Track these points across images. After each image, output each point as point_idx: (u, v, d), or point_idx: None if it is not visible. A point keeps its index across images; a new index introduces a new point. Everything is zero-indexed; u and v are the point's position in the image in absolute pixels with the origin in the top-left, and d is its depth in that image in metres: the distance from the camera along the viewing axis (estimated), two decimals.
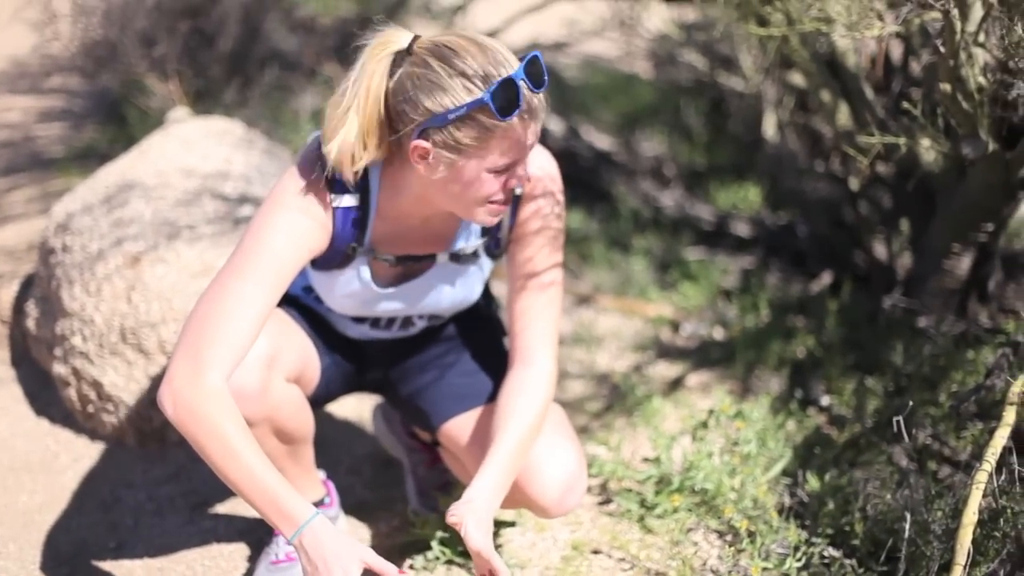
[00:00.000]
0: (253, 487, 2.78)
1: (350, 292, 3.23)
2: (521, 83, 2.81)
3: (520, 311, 3.31)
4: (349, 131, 2.89)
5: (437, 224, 3.17)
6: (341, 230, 3.08)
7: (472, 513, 2.96)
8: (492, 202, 2.98)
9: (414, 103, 2.85)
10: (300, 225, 2.98)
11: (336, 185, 3.01)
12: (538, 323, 3.31)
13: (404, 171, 2.99)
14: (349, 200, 3.06)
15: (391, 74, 2.88)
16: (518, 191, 3.16)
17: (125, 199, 4.33)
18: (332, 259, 3.14)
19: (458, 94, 2.81)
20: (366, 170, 3.04)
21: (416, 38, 2.90)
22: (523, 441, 3.17)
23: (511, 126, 2.84)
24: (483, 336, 3.61)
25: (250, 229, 2.98)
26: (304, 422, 3.30)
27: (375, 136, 2.91)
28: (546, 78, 2.88)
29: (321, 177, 2.98)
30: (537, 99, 2.88)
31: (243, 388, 3.07)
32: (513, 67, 2.84)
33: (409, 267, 3.28)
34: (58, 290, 4.25)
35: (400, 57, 2.88)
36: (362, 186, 3.06)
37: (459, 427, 3.41)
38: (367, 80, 2.87)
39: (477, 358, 3.54)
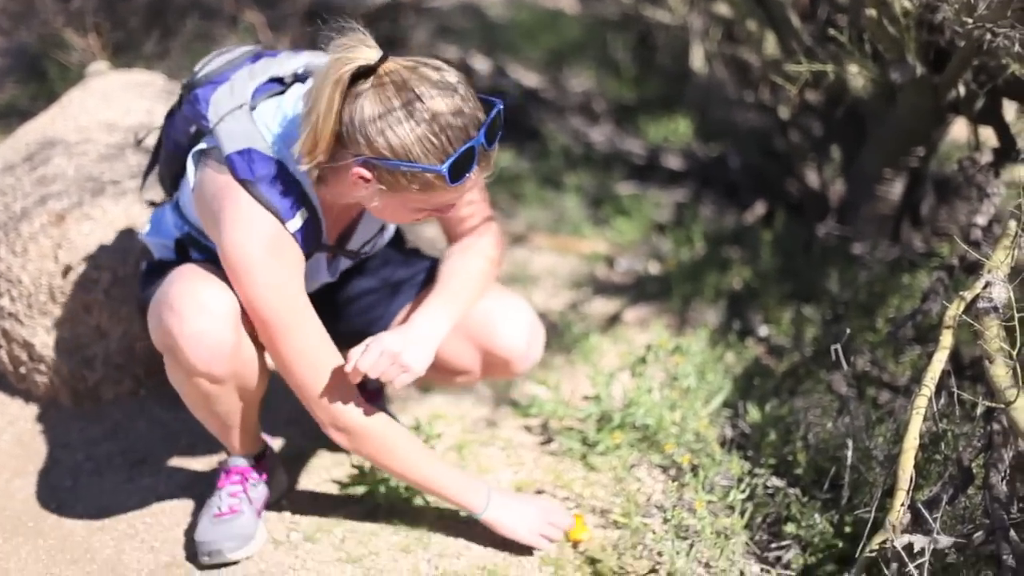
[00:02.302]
0: (434, 489, 3.28)
1: (307, 281, 3.23)
2: (480, 147, 2.81)
3: (455, 220, 3.36)
4: (314, 129, 2.85)
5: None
6: (304, 243, 3.07)
7: (408, 337, 3.08)
8: (417, 219, 3.03)
9: (368, 139, 2.80)
10: (280, 271, 3.00)
11: (284, 212, 2.99)
12: (473, 219, 3.36)
13: (340, 178, 2.95)
14: (300, 219, 3.04)
15: (350, 92, 2.82)
16: None
17: (47, 156, 4.26)
18: None
19: (414, 151, 2.78)
20: (297, 181, 3.02)
21: (383, 58, 2.83)
22: (468, 272, 3.27)
23: (460, 187, 2.85)
24: (399, 261, 3.61)
25: (250, 301, 3.00)
26: (264, 379, 3.28)
27: (327, 143, 2.87)
28: (501, 131, 2.89)
29: (267, 215, 2.97)
30: (487, 158, 2.88)
31: (217, 346, 3.05)
32: (475, 123, 2.81)
33: (345, 244, 3.36)
34: None
35: (364, 75, 2.83)
36: (303, 198, 3.04)
37: (405, 315, 3.46)
38: (328, 92, 2.81)
39: (404, 271, 3.56)
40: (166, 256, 3.45)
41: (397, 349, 3.01)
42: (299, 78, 3.15)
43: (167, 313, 3.06)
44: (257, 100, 3.08)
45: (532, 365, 3.47)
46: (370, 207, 2.98)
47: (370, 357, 2.99)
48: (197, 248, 3.34)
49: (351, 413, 3.08)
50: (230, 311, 3.07)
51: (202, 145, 3.10)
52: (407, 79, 2.79)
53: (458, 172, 2.79)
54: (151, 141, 3.76)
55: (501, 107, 2.87)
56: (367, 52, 2.80)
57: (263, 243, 2.96)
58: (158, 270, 3.37)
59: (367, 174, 2.84)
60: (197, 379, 3.12)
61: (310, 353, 3.03)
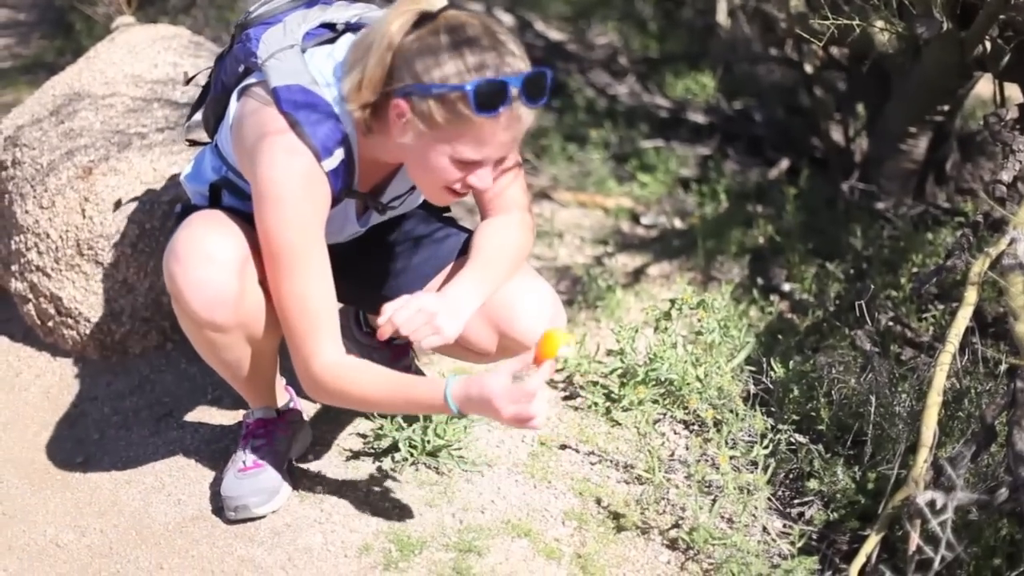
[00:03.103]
0: (399, 408, 3.23)
1: (333, 228, 3.22)
2: (514, 90, 2.78)
3: (488, 197, 3.32)
4: (364, 68, 2.88)
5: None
6: (334, 186, 3.06)
7: (444, 303, 3.07)
8: (450, 189, 2.98)
9: (409, 65, 2.81)
10: (307, 208, 2.98)
11: (322, 149, 2.99)
12: (507, 192, 3.31)
13: (382, 124, 2.96)
14: (336, 159, 3.03)
15: (408, 31, 2.84)
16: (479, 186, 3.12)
17: (74, 110, 4.27)
18: None
19: (448, 73, 2.78)
20: (339, 121, 3.02)
21: (446, 7, 2.86)
22: (500, 255, 3.24)
23: (485, 123, 2.81)
24: (433, 223, 3.61)
25: (267, 232, 2.98)
26: (274, 326, 3.28)
27: (375, 81, 2.88)
28: (546, 98, 2.86)
29: (306, 148, 2.97)
30: (527, 113, 2.85)
31: (220, 294, 3.07)
32: (516, 72, 2.80)
33: (378, 197, 3.32)
34: (11, 205, 4.20)
35: (423, 19, 2.84)
36: (343, 139, 3.04)
37: (434, 288, 3.39)
38: (387, 27, 2.84)
39: (434, 244, 3.54)
40: (200, 203, 3.47)
41: (433, 310, 3.01)
42: (351, 27, 3.15)
43: (172, 260, 3.09)
44: (308, 43, 3.09)
45: None
46: (407, 160, 2.99)
47: (406, 312, 2.98)
48: (232, 192, 3.33)
49: (329, 368, 3.04)
50: (234, 259, 3.08)
51: (249, 80, 3.11)
52: (464, 23, 2.82)
53: (484, 99, 2.77)
54: (201, 81, 3.76)
55: (550, 73, 2.86)
56: (431, 1, 2.85)
57: (297, 178, 2.95)
58: (187, 215, 3.38)
59: (404, 106, 2.84)
60: (202, 327, 3.15)
61: (310, 298, 3.00)
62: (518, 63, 2.82)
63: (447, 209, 3.69)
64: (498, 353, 3.37)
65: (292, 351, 3.05)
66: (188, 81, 3.77)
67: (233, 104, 3.14)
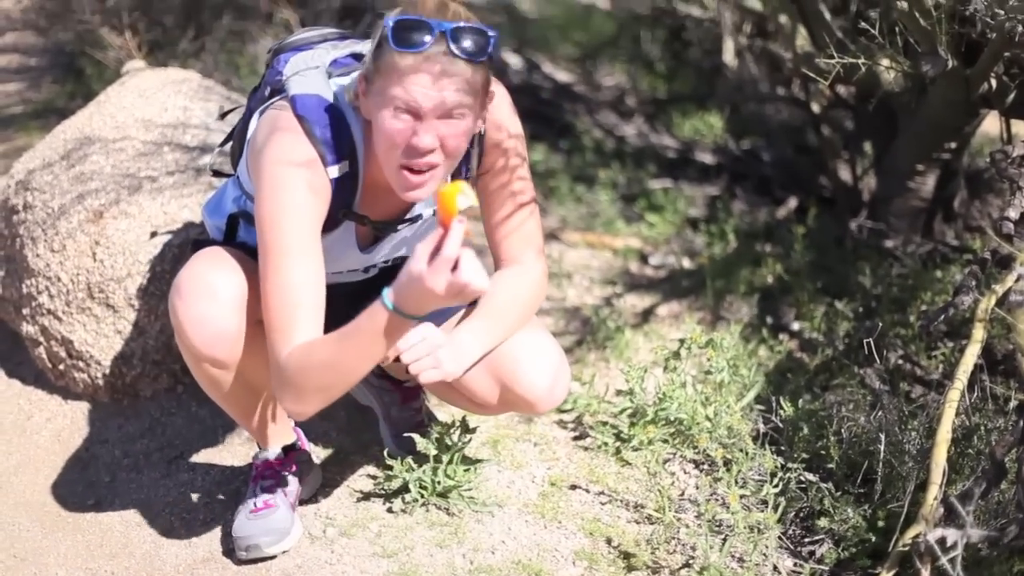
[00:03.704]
0: (361, 354, 2.85)
1: (333, 253, 3.23)
2: (439, 34, 2.82)
3: (501, 235, 3.33)
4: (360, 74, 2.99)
5: None
6: (335, 197, 3.08)
7: (450, 341, 3.06)
8: (405, 167, 2.96)
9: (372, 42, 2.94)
10: (306, 199, 2.99)
11: (327, 153, 3.02)
12: (519, 238, 3.32)
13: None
14: (340, 169, 3.07)
15: None
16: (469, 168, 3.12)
17: (85, 154, 4.29)
18: (324, 223, 3.13)
19: (386, 24, 2.86)
20: (351, 134, 3.06)
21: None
22: (508, 309, 3.24)
23: (407, 61, 2.84)
24: None
25: (263, 218, 2.98)
26: None
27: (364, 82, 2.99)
28: (477, 53, 2.86)
29: (312, 149, 3.01)
30: (454, 63, 2.85)
31: (220, 331, 3.10)
32: (448, 15, 2.86)
33: (388, 229, 3.31)
34: (22, 249, 4.22)
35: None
36: (351, 152, 3.07)
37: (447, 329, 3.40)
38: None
39: None
40: (216, 237, 3.49)
41: (438, 343, 3.01)
42: None
43: (175, 295, 3.13)
44: (334, 70, 3.15)
45: (555, 406, 3.42)
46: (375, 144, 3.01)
47: (412, 339, 2.96)
48: (249, 223, 3.34)
49: (290, 353, 2.91)
50: (236, 296, 3.10)
51: (272, 100, 3.17)
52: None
53: (401, 33, 2.82)
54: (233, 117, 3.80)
55: (493, 33, 2.89)
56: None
57: (300, 170, 2.99)
58: (199, 249, 3.39)
59: (362, 82, 2.96)
60: (201, 362, 3.17)
61: (294, 292, 2.94)
62: (459, 18, 2.87)
63: None
64: (499, 406, 3.37)
65: (268, 346, 2.97)
66: (223, 116, 3.80)
67: (253, 123, 3.18)
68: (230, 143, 3.57)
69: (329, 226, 3.16)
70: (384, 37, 2.85)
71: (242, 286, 3.12)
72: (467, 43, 2.84)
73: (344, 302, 3.49)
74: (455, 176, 3.24)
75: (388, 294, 2.76)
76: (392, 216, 3.31)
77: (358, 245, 3.33)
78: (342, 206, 3.14)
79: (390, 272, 3.55)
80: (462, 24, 2.85)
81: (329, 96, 3.07)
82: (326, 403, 2.95)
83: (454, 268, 2.65)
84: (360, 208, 3.20)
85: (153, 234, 4.07)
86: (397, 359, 2.95)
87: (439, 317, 3.39)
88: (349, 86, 3.06)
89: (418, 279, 2.68)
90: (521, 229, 3.32)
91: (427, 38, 2.81)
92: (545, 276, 3.37)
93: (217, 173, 3.71)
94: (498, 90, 3.23)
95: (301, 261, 2.96)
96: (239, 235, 3.39)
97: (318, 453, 3.81)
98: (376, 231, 3.32)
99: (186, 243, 4.02)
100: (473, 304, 3.32)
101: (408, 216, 3.33)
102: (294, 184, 2.97)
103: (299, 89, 3.08)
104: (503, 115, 3.25)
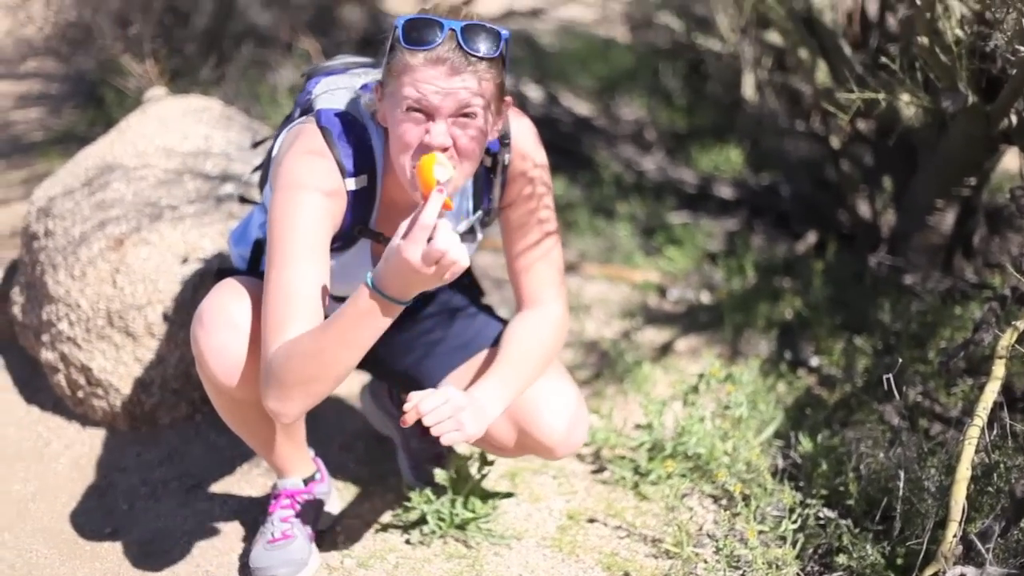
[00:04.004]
0: (346, 338, 2.85)
1: (349, 273, 3.23)
2: (449, 31, 2.86)
3: (521, 267, 3.34)
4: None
5: None
6: (350, 211, 3.10)
7: (470, 402, 3.03)
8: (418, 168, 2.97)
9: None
10: (321, 203, 3.00)
11: (346, 166, 3.04)
12: (540, 272, 3.34)
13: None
14: (358, 182, 3.09)
15: None
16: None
17: (106, 181, 4.30)
18: (339, 238, 3.14)
19: (398, 27, 2.91)
20: (372, 150, 3.08)
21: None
22: (528, 359, 3.24)
23: (415, 58, 2.87)
24: (467, 303, 3.62)
25: (275, 217, 2.99)
26: None
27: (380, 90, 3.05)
28: (488, 51, 2.89)
29: (332, 159, 3.03)
30: (465, 60, 2.88)
31: (241, 361, 3.10)
32: (458, 15, 2.91)
33: None
34: (42, 275, 4.23)
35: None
36: (370, 168, 3.09)
37: (459, 378, 3.40)
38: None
39: (465, 322, 3.54)
40: (239, 266, 3.51)
41: (461, 404, 2.98)
42: None
43: (196, 325, 3.14)
44: (364, 93, 3.16)
45: (573, 452, 3.43)
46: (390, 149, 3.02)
47: (432, 403, 2.92)
48: None
49: (271, 363, 2.89)
50: (257, 327, 3.11)
51: (299, 120, 3.19)
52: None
53: (411, 32, 2.87)
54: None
55: (505, 33, 2.93)
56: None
57: (317, 177, 3.01)
58: (223, 278, 3.39)
59: (378, 90, 3.01)
60: (223, 393, 3.18)
61: (295, 292, 2.93)
62: (468, 12, 2.92)
63: (482, 293, 3.70)
64: (516, 449, 3.37)
65: (262, 343, 2.95)
66: (256, 145, 3.82)
67: (279, 140, 3.19)
68: (260, 171, 3.59)
69: (345, 244, 3.17)
70: (396, 38, 2.89)
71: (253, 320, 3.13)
72: (478, 40, 2.88)
73: None
74: (476, 206, 3.25)
75: (375, 281, 2.78)
76: None
77: (374, 264, 3.31)
78: (358, 222, 3.15)
79: (411, 310, 3.56)
80: (473, 22, 2.89)
81: (354, 112, 3.09)
82: (309, 401, 2.91)
83: (431, 240, 2.68)
84: (376, 225, 3.21)
85: (184, 260, 4.08)
86: (418, 422, 2.94)
87: (461, 353, 3.38)
88: (369, 99, 3.08)
89: (395, 251, 2.71)
90: (543, 262, 3.33)
91: (437, 35, 2.85)
92: (566, 315, 3.38)
93: (244, 200, 3.72)
94: (523, 121, 3.25)
95: (305, 265, 2.95)
96: (264, 262, 3.39)
97: (337, 484, 3.81)
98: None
99: (208, 272, 4.03)
100: (493, 347, 3.34)
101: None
102: (309, 190, 2.99)
103: (325, 104, 3.13)
104: (528, 145, 3.26)
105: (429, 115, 2.90)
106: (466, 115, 2.92)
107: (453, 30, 2.85)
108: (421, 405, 2.91)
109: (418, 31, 2.86)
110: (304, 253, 2.96)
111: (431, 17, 2.87)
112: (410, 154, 2.94)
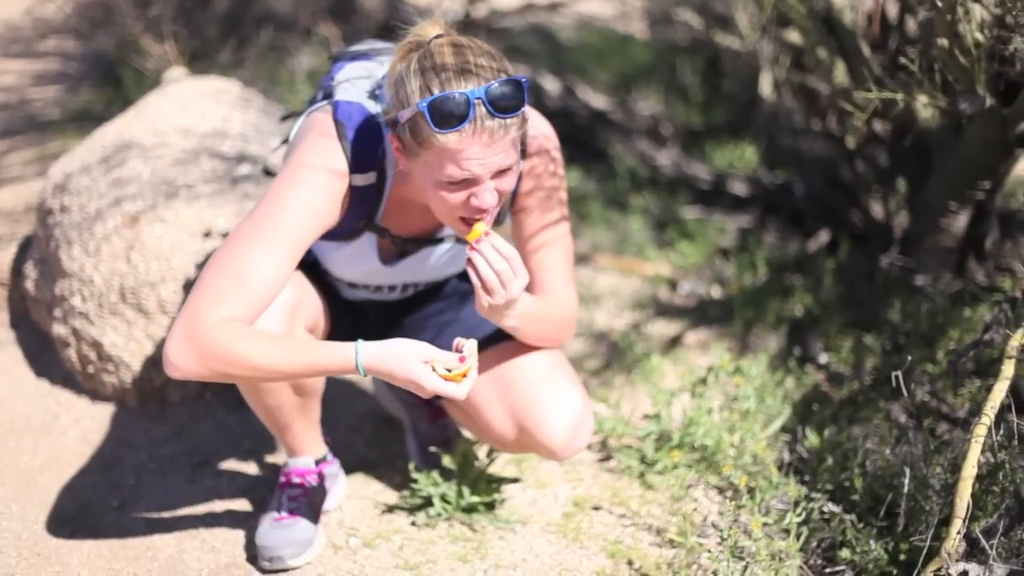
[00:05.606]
0: (297, 373, 2.93)
1: (354, 263, 3.25)
2: (476, 102, 2.80)
3: (533, 268, 3.33)
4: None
5: None
6: (356, 206, 3.10)
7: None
8: (462, 218, 2.99)
9: (391, 96, 2.94)
10: (318, 203, 3.00)
11: (356, 163, 3.04)
12: (552, 263, 3.35)
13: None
14: (366, 179, 3.09)
15: (399, 62, 2.92)
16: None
17: (123, 159, 4.32)
18: (341, 231, 3.15)
19: (412, 96, 2.85)
20: (384, 148, 3.10)
21: (438, 36, 2.90)
22: (548, 309, 3.29)
23: (452, 140, 2.83)
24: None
25: (269, 197, 3.00)
26: (319, 378, 3.32)
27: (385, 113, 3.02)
28: (516, 108, 2.86)
29: (342, 154, 3.03)
30: (499, 124, 2.85)
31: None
32: (478, 80, 2.82)
33: (412, 246, 3.34)
34: (57, 251, 4.25)
35: (415, 49, 2.90)
36: (380, 165, 3.09)
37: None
38: (393, 59, 2.94)
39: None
40: None
41: (511, 254, 2.99)
42: None
43: None
44: (384, 82, 3.14)
45: (575, 454, 3.45)
46: (422, 195, 3.02)
47: (497, 246, 2.96)
48: None
49: (221, 323, 2.86)
50: (285, 303, 3.11)
51: (319, 104, 3.19)
52: (440, 47, 2.87)
53: (440, 115, 2.80)
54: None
55: (524, 81, 2.87)
56: (429, 30, 2.90)
57: (322, 174, 3.01)
58: None
59: (393, 138, 2.95)
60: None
61: (248, 270, 2.91)
62: (485, 72, 2.84)
63: None
64: (516, 445, 3.40)
65: (186, 304, 2.91)
66: (285, 119, 3.82)
67: (298, 124, 3.20)
68: (284, 146, 3.60)
69: (350, 235, 3.18)
70: (422, 118, 2.82)
71: (292, 292, 3.14)
72: (505, 101, 2.83)
73: (377, 319, 3.53)
74: None
75: (363, 343, 2.91)
76: (418, 233, 3.34)
77: (380, 258, 3.34)
78: (363, 215, 3.16)
79: (424, 295, 3.59)
80: (493, 85, 2.82)
81: (371, 108, 3.09)
82: (209, 375, 2.90)
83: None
84: (382, 221, 3.22)
85: (207, 234, 4.09)
86: (426, 405, 2.97)
87: (470, 335, 3.40)
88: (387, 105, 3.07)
89: (409, 365, 2.93)
90: (555, 253, 3.34)
91: (467, 113, 2.80)
92: (576, 304, 3.40)
93: (268, 172, 3.74)
94: (537, 118, 3.25)
95: (274, 253, 2.95)
96: None
97: (344, 464, 3.82)
98: (398, 247, 3.35)
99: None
100: (505, 341, 3.38)
101: (437, 236, 3.38)
102: (311, 185, 3.00)
103: (344, 96, 3.11)
104: (544, 142, 3.27)
105: (474, 183, 2.91)
106: (504, 170, 2.94)
107: (480, 99, 2.80)
108: (484, 248, 2.97)
109: (447, 115, 2.79)
110: (279, 242, 2.96)
111: (453, 95, 2.79)
112: (457, 215, 2.97)
